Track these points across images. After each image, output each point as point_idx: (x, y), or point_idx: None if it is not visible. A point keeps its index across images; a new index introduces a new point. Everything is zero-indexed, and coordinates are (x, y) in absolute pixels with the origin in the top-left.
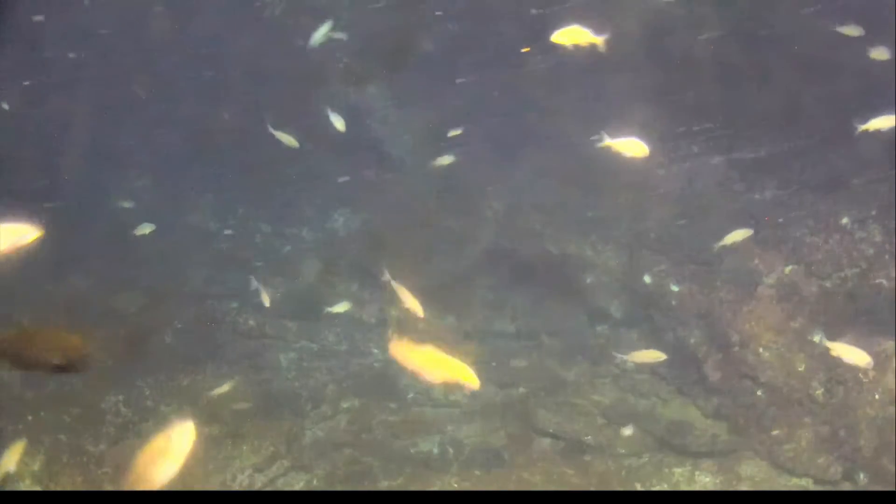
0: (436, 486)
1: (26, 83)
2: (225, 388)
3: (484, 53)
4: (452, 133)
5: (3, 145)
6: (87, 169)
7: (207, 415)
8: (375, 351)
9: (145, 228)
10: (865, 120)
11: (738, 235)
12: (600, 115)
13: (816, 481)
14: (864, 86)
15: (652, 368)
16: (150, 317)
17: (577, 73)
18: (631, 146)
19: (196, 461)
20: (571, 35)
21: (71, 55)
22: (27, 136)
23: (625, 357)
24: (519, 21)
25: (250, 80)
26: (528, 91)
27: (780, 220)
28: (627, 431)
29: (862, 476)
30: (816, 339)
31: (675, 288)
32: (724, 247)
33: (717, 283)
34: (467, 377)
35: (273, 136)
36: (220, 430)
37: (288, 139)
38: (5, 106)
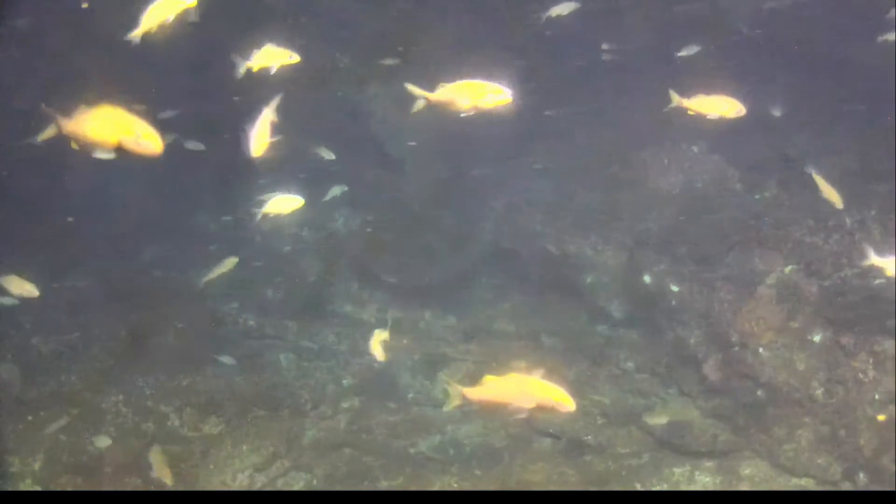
0: (436, 486)
1: None
2: None
3: (485, 54)
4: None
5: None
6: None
7: None
8: None
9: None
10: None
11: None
12: (601, 115)
13: (816, 481)
14: (864, 85)
15: (652, 368)
16: (150, 317)
17: (579, 73)
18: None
19: None
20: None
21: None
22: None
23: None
24: (521, 22)
25: (249, 79)
26: (529, 92)
27: (780, 219)
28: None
29: (862, 476)
30: (816, 338)
31: (675, 288)
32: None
33: (717, 283)
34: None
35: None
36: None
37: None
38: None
